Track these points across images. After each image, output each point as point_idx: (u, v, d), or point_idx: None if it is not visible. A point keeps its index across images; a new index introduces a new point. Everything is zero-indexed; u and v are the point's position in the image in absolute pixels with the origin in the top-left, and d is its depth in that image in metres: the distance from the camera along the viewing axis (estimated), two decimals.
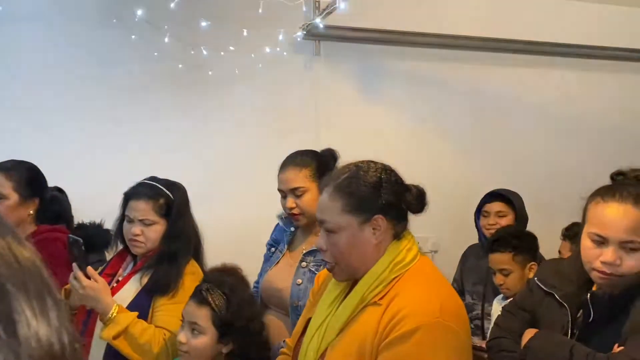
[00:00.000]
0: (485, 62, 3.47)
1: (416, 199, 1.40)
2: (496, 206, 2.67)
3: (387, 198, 1.35)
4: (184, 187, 2.00)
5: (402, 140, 3.34)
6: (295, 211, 1.97)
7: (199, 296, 1.63)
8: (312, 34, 3.05)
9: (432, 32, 3.22)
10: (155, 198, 1.90)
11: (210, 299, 1.62)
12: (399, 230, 1.39)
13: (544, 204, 3.19)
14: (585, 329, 1.45)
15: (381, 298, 1.30)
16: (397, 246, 1.36)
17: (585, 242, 1.47)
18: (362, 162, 1.42)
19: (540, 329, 1.53)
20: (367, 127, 3.26)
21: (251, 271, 2.11)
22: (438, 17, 3.35)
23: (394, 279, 1.32)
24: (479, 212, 2.77)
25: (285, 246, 2.09)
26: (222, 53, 2.85)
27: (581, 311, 1.48)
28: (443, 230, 3.37)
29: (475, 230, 2.82)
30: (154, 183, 1.94)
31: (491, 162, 3.52)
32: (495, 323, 1.72)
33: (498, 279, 2.30)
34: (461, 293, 2.72)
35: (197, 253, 1.98)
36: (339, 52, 3.23)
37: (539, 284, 1.60)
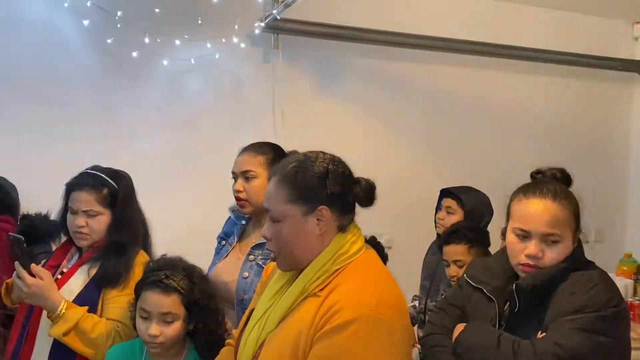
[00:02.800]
0: (441, 62, 3.53)
1: (365, 192, 1.39)
2: (447, 202, 2.73)
3: (333, 189, 1.34)
4: (128, 176, 1.95)
5: (358, 136, 3.36)
6: (241, 195, 1.94)
7: (162, 285, 1.61)
8: (270, 26, 3.02)
9: (390, 30, 3.24)
10: (99, 188, 1.84)
11: (175, 284, 1.61)
12: (345, 223, 1.37)
13: (497, 204, 3.26)
14: (511, 320, 1.51)
15: (321, 289, 1.29)
16: (342, 238, 1.35)
17: (510, 238, 1.54)
18: (312, 152, 1.41)
19: (472, 321, 1.58)
20: (324, 122, 3.27)
21: (204, 265, 2.08)
22: (397, 15, 3.38)
23: (336, 270, 1.31)
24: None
25: (236, 239, 2.06)
26: (177, 42, 2.78)
27: (507, 303, 1.54)
28: (397, 227, 3.41)
29: (429, 226, 2.86)
30: (96, 172, 1.88)
31: (445, 160, 3.58)
32: (428, 320, 1.76)
33: (452, 270, 2.35)
34: None
35: (145, 243, 1.94)
36: (298, 46, 3.22)
37: (468, 280, 1.66)
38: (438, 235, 2.78)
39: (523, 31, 3.65)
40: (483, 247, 2.39)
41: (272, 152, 1.98)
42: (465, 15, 3.56)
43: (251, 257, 1.92)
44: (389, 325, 1.24)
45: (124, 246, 1.83)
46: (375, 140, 3.43)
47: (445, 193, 2.78)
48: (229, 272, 1.95)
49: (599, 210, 3.94)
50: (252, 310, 1.46)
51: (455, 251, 2.36)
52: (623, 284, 3.37)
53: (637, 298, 3.28)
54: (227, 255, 2.04)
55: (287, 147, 1.83)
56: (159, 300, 1.60)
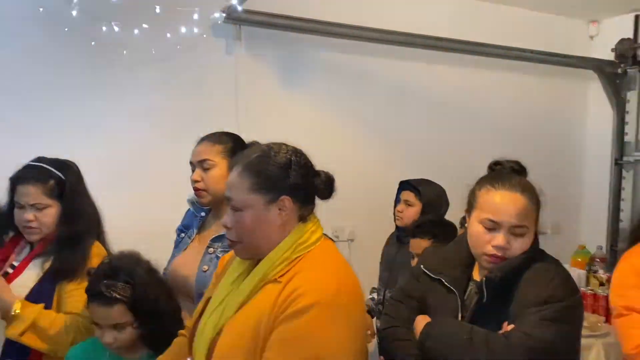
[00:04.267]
0: (404, 57, 3.55)
1: (324, 184, 1.42)
2: (405, 195, 2.76)
3: (295, 180, 1.37)
4: (76, 165, 1.90)
5: (321, 129, 3.36)
6: (199, 185, 1.92)
7: (104, 298, 1.59)
8: (232, 17, 2.98)
9: (354, 24, 3.24)
10: (44, 180, 1.79)
11: (117, 295, 1.59)
12: (305, 213, 1.41)
13: (456, 195, 3.31)
14: (476, 311, 1.53)
15: (281, 276, 1.32)
16: (302, 228, 1.39)
17: (477, 228, 1.55)
18: (275, 143, 1.43)
19: (430, 315, 1.59)
20: (287, 115, 3.25)
21: (164, 259, 2.05)
22: (360, 9, 3.38)
23: (295, 258, 1.34)
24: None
25: (195, 232, 2.04)
26: (135, 31, 2.71)
27: (471, 293, 1.56)
28: (360, 220, 3.44)
29: (391, 219, 2.89)
30: (41, 164, 1.83)
31: (406, 153, 3.62)
32: (385, 312, 1.77)
33: (416, 263, 2.39)
34: None
35: (99, 233, 1.89)
36: (261, 38, 3.19)
37: (426, 271, 1.66)
38: (397, 227, 2.82)
39: (483, 28, 3.71)
40: (447, 241, 2.43)
41: (231, 142, 1.95)
42: (427, 11, 3.60)
43: (211, 249, 1.90)
44: (347, 310, 1.29)
45: (77, 238, 1.79)
46: (337, 133, 3.43)
47: (403, 186, 2.81)
48: (188, 265, 1.92)
49: (555, 203, 4.01)
50: (208, 299, 1.46)
51: (420, 245, 2.41)
52: (577, 274, 3.48)
53: (589, 288, 3.39)
54: (186, 248, 2.02)
55: (249, 139, 1.81)
56: (104, 313, 1.59)
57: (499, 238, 1.51)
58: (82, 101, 2.82)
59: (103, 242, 1.90)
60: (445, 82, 3.72)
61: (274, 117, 3.19)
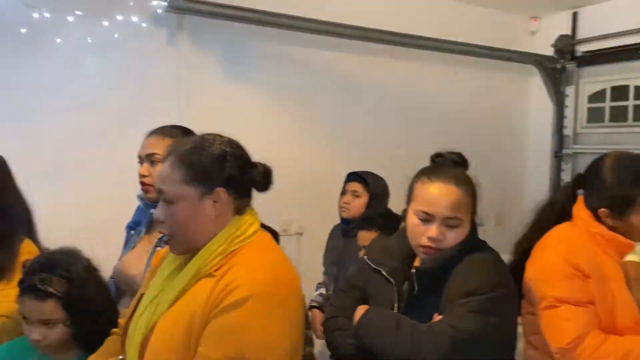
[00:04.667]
0: (349, 50, 3.54)
1: (261, 176, 1.40)
2: (352, 186, 2.76)
3: (230, 172, 1.34)
4: (2, 159, 1.79)
5: (267, 122, 3.32)
6: (146, 180, 1.86)
7: (37, 292, 1.50)
8: (174, 6, 2.89)
9: (300, 15, 3.19)
10: None
11: (52, 290, 1.51)
12: (242, 206, 1.38)
13: (401, 188, 3.34)
14: (410, 302, 1.54)
15: (217, 269, 1.29)
16: (238, 220, 1.36)
17: (413, 220, 1.57)
18: (210, 134, 1.40)
19: (370, 305, 1.60)
20: (231, 107, 3.18)
21: (112, 258, 1.99)
22: (307, 1, 3.33)
23: (231, 252, 1.32)
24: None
25: (144, 229, 1.96)
26: (69, 18, 2.58)
27: (406, 285, 1.57)
28: (308, 213, 3.41)
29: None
30: None
31: (355, 146, 3.61)
32: (330, 302, 1.77)
33: (363, 254, 2.39)
34: None
35: (30, 231, 1.79)
36: (205, 28, 3.10)
37: (368, 261, 1.67)
38: (342, 219, 2.81)
39: (427, 21, 3.74)
40: (393, 233, 2.45)
41: (182, 136, 1.88)
42: (372, 4, 3.60)
43: (158, 248, 1.82)
44: (284, 301, 1.27)
45: (4, 236, 1.69)
46: (284, 126, 3.40)
47: (350, 177, 2.81)
48: (135, 264, 1.85)
49: (499, 195, 4.15)
50: (142, 295, 1.41)
51: (367, 237, 2.42)
52: None
53: None
54: (135, 246, 1.95)
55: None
56: (36, 307, 1.51)
57: (433, 229, 1.52)
58: (11, 91, 2.68)
59: (34, 239, 1.80)
60: (390, 75, 3.74)
61: (219, 110, 3.11)
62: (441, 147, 1.74)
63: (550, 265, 1.66)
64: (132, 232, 2.01)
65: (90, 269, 1.64)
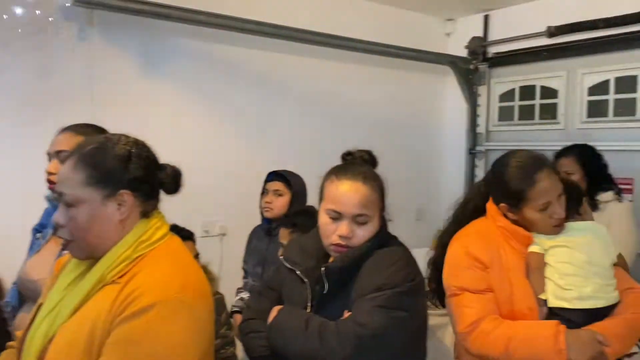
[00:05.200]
0: (276, 50, 3.53)
1: (170, 178, 1.36)
2: (274, 185, 2.74)
3: (135, 173, 1.29)
4: None
5: (185, 121, 3.24)
6: (53, 178, 1.76)
7: None
8: (82, 1, 2.74)
9: (216, 12, 3.12)
10: None
11: None
12: (148, 209, 1.34)
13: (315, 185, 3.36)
14: (321, 301, 1.55)
15: (121, 277, 1.24)
16: (145, 224, 1.31)
17: (323, 219, 1.58)
18: (114, 134, 1.35)
19: (285, 305, 1.60)
20: (148, 105, 3.09)
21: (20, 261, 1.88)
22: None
23: (137, 257, 1.27)
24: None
25: (50, 232, 1.87)
26: None
27: (318, 284, 1.58)
28: (231, 214, 3.37)
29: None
30: None
31: (278, 146, 3.60)
32: (246, 305, 1.75)
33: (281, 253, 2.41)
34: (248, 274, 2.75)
35: None
36: (119, 24, 2.98)
37: (283, 261, 1.67)
38: (264, 219, 2.78)
39: (347, 22, 3.80)
40: (310, 230, 2.46)
41: (95, 134, 1.80)
42: (293, 3, 3.60)
43: (65, 252, 1.73)
44: (191, 306, 1.23)
45: None
46: (203, 125, 3.33)
47: (270, 177, 2.78)
48: (39, 269, 1.76)
49: (419, 191, 4.28)
50: (40, 305, 1.35)
51: (285, 235, 2.43)
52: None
53: None
54: (40, 250, 1.86)
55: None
56: None
57: (342, 227, 1.54)
58: None
59: None
60: (310, 74, 3.76)
61: (134, 107, 3.02)
62: (360, 147, 1.76)
63: (453, 257, 1.77)
64: (38, 234, 1.92)
65: None
